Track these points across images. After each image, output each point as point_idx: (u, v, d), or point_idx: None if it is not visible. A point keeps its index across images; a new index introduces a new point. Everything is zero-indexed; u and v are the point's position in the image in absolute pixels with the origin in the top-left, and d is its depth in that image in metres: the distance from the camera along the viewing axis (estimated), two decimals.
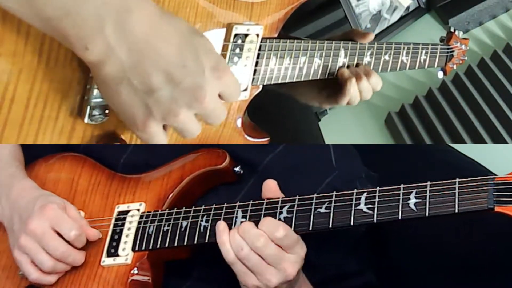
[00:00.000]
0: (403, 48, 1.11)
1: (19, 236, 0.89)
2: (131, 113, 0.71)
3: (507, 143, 1.77)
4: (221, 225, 0.84)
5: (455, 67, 1.28)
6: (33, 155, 1.03)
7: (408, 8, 2.15)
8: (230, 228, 0.83)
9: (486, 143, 1.81)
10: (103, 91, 0.71)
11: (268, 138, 0.98)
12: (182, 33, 0.71)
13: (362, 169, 1.00)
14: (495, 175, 1.02)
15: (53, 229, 0.88)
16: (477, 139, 1.85)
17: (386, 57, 1.09)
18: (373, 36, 1.07)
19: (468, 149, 1.18)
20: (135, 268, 0.88)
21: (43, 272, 0.88)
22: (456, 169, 1.14)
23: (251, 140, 0.96)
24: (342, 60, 1.01)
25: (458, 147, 1.21)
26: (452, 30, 1.27)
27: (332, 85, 1.04)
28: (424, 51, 1.15)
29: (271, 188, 0.86)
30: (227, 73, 0.75)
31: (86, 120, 0.75)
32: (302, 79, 0.97)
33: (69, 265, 0.89)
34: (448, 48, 1.24)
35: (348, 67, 1.03)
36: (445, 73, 1.29)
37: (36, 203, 0.90)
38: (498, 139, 1.82)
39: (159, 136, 0.73)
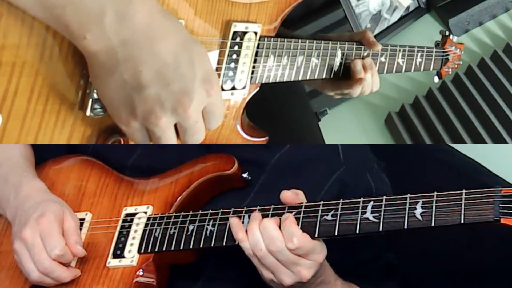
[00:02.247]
0: (399, 50, 1.11)
1: (14, 240, 0.89)
2: (117, 107, 0.71)
3: (507, 143, 1.77)
4: (234, 222, 0.83)
5: (450, 71, 1.29)
6: (42, 156, 1.03)
7: (408, 8, 2.15)
8: None
9: (486, 143, 1.81)
10: (94, 81, 0.71)
11: (267, 138, 0.98)
12: (181, 36, 0.71)
13: (373, 160, 0.99)
14: (495, 176, 1.02)
15: (42, 243, 0.88)
16: (477, 139, 1.85)
17: (382, 59, 1.09)
18: (380, 48, 1.08)
19: (468, 149, 1.18)
20: (140, 270, 0.88)
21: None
22: (456, 169, 1.14)
23: (249, 139, 0.96)
24: (339, 60, 1.01)
25: (458, 147, 1.21)
26: (446, 34, 1.27)
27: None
28: (419, 54, 1.16)
29: (286, 199, 0.85)
30: (216, 90, 0.74)
31: (88, 113, 0.75)
32: (300, 78, 0.97)
33: (54, 280, 0.88)
34: (443, 52, 1.25)
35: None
36: (440, 77, 1.29)
37: (36, 210, 0.90)
38: (498, 139, 1.82)
39: (141, 134, 0.73)
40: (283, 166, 0.94)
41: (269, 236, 0.80)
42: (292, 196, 0.84)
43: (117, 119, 0.72)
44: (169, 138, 0.74)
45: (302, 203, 0.83)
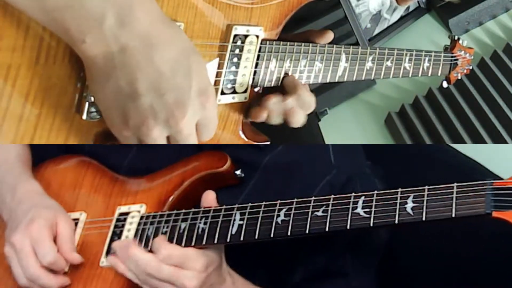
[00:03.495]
0: (406, 54, 1.08)
1: (5, 244, 0.90)
2: (111, 114, 0.71)
3: (507, 143, 1.77)
4: (116, 244, 0.87)
5: (459, 76, 1.25)
6: (40, 156, 1.03)
7: (408, 8, 2.15)
8: (227, 229, 0.83)
9: (486, 143, 1.81)
10: (91, 85, 0.71)
11: (268, 143, 0.98)
12: (181, 45, 0.71)
13: (364, 164, 0.99)
14: (495, 175, 1.02)
15: (33, 248, 0.88)
16: (477, 139, 1.85)
17: (388, 63, 1.06)
18: (332, 35, 0.98)
19: (468, 149, 1.18)
20: None
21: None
22: (456, 169, 1.15)
23: (251, 143, 0.95)
24: (343, 64, 0.99)
25: (458, 147, 1.21)
26: (456, 38, 1.24)
27: None
28: (427, 58, 1.13)
29: (206, 199, 0.87)
30: (212, 103, 0.73)
31: (84, 117, 0.75)
32: (303, 82, 0.97)
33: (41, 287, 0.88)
34: (452, 56, 1.22)
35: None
36: (449, 82, 1.26)
37: (26, 216, 0.90)
38: (498, 139, 1.82)
39: (133, 140, 0.73)
40: (274, 168, 0.94)
41: (142, 262, 0.82)
42: (213, 200, 0.87)
43: (110, 125, 0.72)
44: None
45: (294, 199, 0.83)
